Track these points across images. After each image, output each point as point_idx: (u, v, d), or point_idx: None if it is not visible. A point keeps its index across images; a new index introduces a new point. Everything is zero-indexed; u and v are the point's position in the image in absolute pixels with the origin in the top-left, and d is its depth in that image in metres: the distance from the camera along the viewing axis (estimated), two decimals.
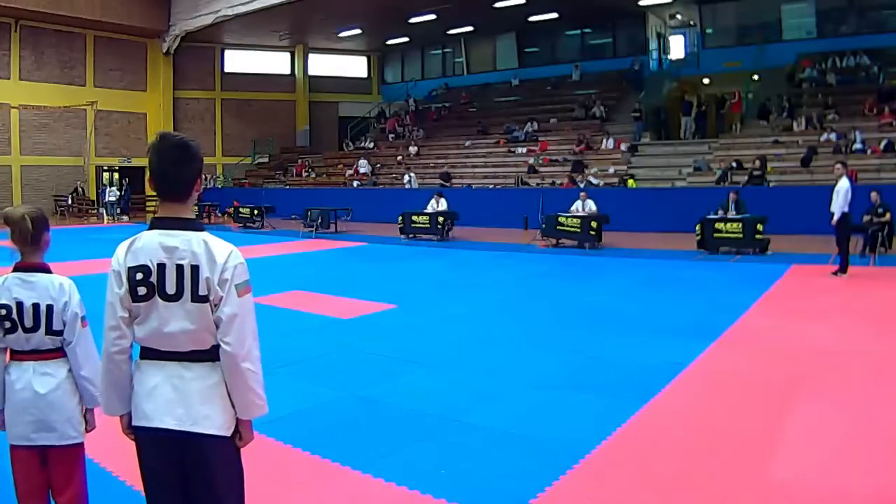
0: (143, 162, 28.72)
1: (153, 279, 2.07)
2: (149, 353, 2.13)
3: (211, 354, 2.11)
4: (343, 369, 5.55)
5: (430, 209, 16.62)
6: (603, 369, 5.45)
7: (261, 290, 7.35)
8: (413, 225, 16.68)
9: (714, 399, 4.72)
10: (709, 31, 24.29)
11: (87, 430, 2.58)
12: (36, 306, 2.44)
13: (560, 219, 14.40)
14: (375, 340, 6.49)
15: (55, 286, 2.49)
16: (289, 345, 6.22)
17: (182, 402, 2.07)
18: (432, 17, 24.18)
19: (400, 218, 16.96)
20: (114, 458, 3.69)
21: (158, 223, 2.14)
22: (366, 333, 6.82)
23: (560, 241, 14.55)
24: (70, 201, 25.97)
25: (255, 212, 20.92)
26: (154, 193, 2.20)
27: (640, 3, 22.79)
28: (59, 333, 2.48)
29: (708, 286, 9.33)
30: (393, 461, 3.69)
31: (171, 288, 2.07)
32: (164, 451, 2.10)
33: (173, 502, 2.13)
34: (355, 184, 24.68)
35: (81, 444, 2.55)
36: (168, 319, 2.07)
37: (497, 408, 4.56)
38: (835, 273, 9.56)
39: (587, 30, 27.48)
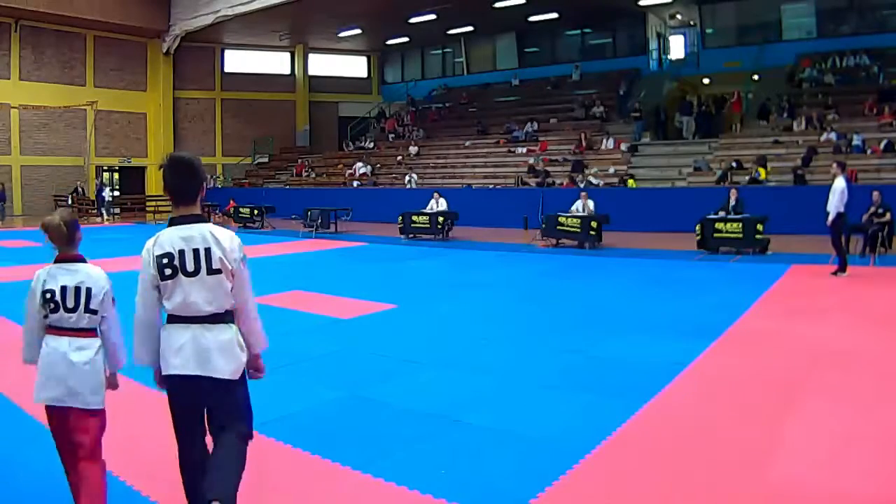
0: (143, 162, 28.89)
1: (176, 262, 2.69)
2: (176, 319, 2.73)
3: (224, 318, 2.75)
4: (343, 369, 5.55)
5: (429, 209, 16.62)
6: (603, 369, 5.44)
7: (261, 290, 7.35)
8: (413, 225, 16.68)
9: (714, 399, 4.71)
10: (709, 31, 24.29)
11: (112, 388, 3.05)
12: (77, 289, 2.88)
13: (560, 219, 14.40)
14: (375, 340, 6.49)
15: (92, 273, 2.94)
16: (289, 345, 6.22)
17: (203, 355, 2.70)
18: (432, 17, 24.19)
19: (400, 218, 16.96)
20: (114, 457, 3.70)
21: (175, 221, 2.77)
22: (366, 333, 6.82)
23: (560, 241, 14.55)
24: (70, 201, 25.98)
25: (255, 212, 20.92)
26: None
27: (640, 3, 22.79)
28: (95, 313, 2.90)
29: (708, 286, 9.33)
30: (393, 461, 3.69)
31: (190, 266, 2.69)
32: (188, 391, 2.74)
33: (193, 428, 2.81)
34: (355, 184, 24.70)
35: (102, 410, 2.96)
36: (190, 292, 2.68)
37: (497, 408, 4.56)
38: (835, 273, 9.56)
39: (587, 30, 27.50)
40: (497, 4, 22.78)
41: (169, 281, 2.68)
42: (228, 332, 2.75)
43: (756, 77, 21.76)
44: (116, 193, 28.47)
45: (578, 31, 27.64)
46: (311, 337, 6.69)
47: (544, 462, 3.64)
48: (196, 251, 2.69)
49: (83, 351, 2.87)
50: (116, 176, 29.75)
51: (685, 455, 3.74)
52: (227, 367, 2.72)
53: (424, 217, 16.43)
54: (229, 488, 2.67)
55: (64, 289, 2.86)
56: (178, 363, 2.70)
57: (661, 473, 3.52)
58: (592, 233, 13.81)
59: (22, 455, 3.78)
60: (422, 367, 5.62)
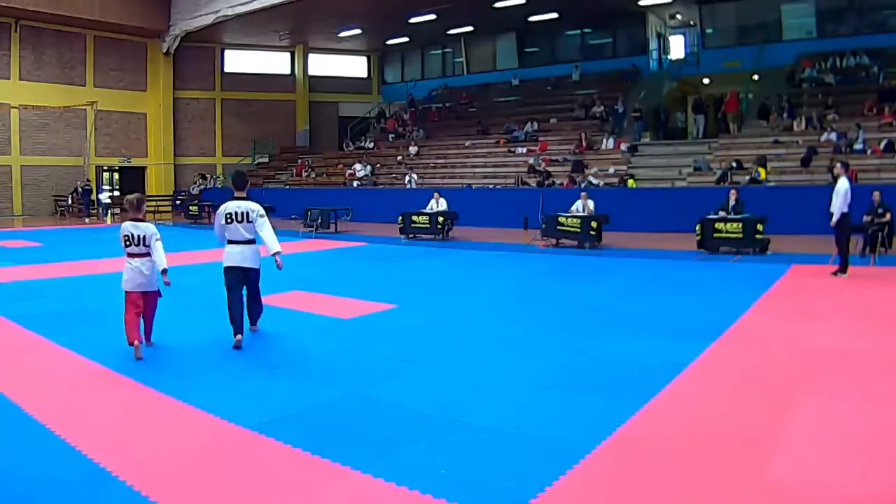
0: (143, 162, 28.82)
1: (234, 216, 6.19)
2: (231, 242, 6.24)
3: (253, 242, 6.24)
4: (343, 369, 5.55)
5: (429, 209, 16.62)
6: (603, 369, 5.45)
7: (262, 291, 7.38)
8: (413, 225, 16.67)
9: (714, 399, 4.71)
10: (709, 31, 24.27)
11: (166, 283, 5.96)
12: (139, 235, 5.86)
13: (560, 219, 14.40)
14: (375, 340, 6.49)
15: (148, 228, 5.93)
16: (289, 345, 6.23)
17: (245, 258, 6.22)
18: (432, 17, 24.17)
19: (400, 218, 16.96)
20: (114, 457, 3.70)
21: (235, 198, 6.28)
22: (366, 333, 6.82)
23: (560, 241, 14.54)
24: (70, 201, 25.96)
25: None
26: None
27: (640, 3, 22.79)
28: (147, 246, 5.84)
29: (708, 286, 9.33)
30: (393, 461, 3.69)
31: (240, 218, 6.17)
32: (236, 274, 6.22)
33: (237, 290, 6.21)
34: (355, 184, 24.69)
35: (158, 291, 6.05)
36: (238, 229, 6.19)
37: (497, 408, 4.56)
38: (835, 273, 9.55)
39: (587, 30, 27.46)
40: (497, 4, 22.76)
41: (230, 224, 6.14)
42: (256, 248, 6.22)
43: (756, 77, 21.75)
44: (116, 194, 28.47)
45: (578, 31, 27.61)
46: (311, 337, 6.69)
47: (544, 462, 3.64)
48: (243, 212, 6.14)
49: (145, 264, 5.87)
50: (116, 176, 29.75)
51: (685, 455, 3.74)
52: (256, 263, 6.26)
53: (424, 217, 16.43)
54: (259, 316, 6.63)
55: (132, 234, 5.86)
56: (234, 260, 6.16)
57: (660, 473, 3.52)
58: (592, 233, 13.81)
59: (22, 455, 3.78)
60: (422, 367, 5.62)
